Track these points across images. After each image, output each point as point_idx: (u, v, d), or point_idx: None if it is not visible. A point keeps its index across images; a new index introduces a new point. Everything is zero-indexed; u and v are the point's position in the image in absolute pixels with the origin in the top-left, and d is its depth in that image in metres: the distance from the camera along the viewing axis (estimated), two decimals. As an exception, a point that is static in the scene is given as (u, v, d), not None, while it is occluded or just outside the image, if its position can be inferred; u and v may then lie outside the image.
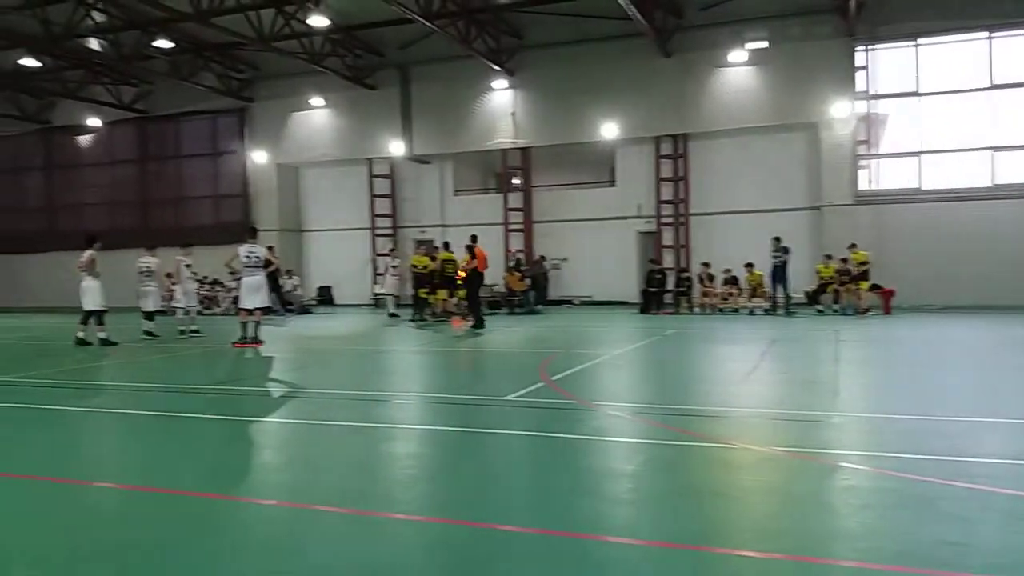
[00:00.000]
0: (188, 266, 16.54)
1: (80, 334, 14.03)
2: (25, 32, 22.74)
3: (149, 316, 15.86)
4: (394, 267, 20.89)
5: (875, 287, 19.29)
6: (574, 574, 3.48)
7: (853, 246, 19.46)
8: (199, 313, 18.22)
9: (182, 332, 16.03)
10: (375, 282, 25.52)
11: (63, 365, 11.80)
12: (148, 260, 16.09)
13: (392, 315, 20.01)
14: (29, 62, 25.80)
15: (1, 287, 33.03)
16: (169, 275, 17.16)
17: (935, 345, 12.86)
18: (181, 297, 16.65)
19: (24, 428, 7.26)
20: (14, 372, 11.01)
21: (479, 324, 16.71)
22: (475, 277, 17.42)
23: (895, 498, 4.48)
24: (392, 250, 21.18)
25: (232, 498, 4.77)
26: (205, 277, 22.86)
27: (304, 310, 24.58)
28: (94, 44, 24.07)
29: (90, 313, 14.02)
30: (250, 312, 13.43)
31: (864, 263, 19.14)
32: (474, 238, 18.04)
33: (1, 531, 4.29)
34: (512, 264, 23.84)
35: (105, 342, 13.97)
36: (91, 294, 13.99)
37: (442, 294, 19.29)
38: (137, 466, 5.83)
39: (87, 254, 14.07)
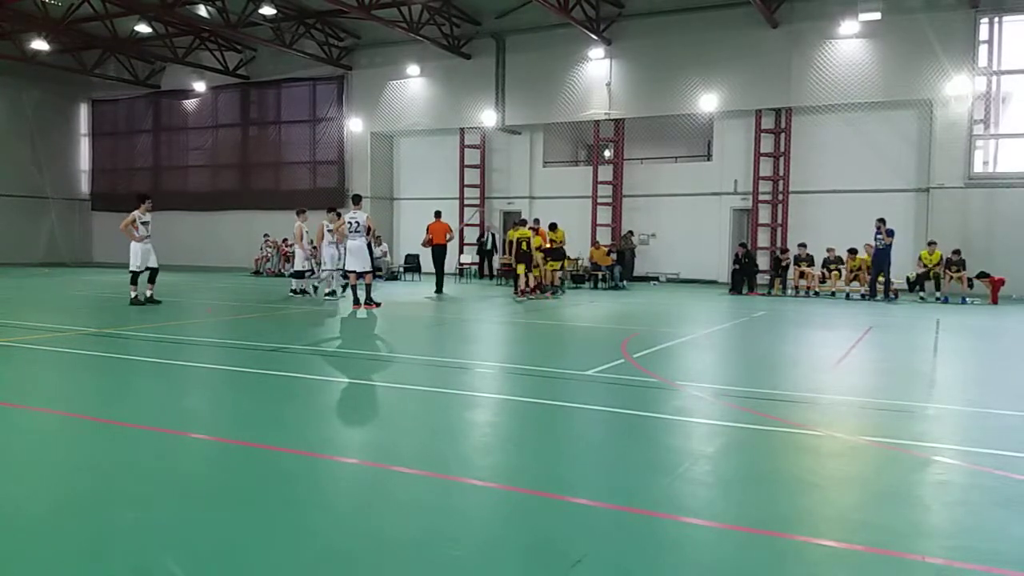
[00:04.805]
0: (331, 231, 16.97)
1: (148, 293, 14.31)
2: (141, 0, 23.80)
3: (295, 275, 17.38)
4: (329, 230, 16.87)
5: (983, 275, 18.26)
6: (648, 552, 3.45)
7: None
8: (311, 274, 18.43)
9: (329, 293, 16.98)
10: (461, 251, 25.78)
11: (155, 320, 12.42)
12: (296, 224, 17.27)
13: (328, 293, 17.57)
14: (143, 28, 27.08)
15: (109, 243, 35.03)
16: (310, 241, 17.66)
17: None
18: (327, 260, 17.25)
19: (104, 375, 7.69)
20: (122, 325, 11.70)
21: (439, 290, 18.64)
22: (435, 248, 18.99)
23: (991, 496, 4.26)
24: (332, 209, 17.35)
25: (315, 455, 4.93)
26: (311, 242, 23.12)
27: (392, 276, 25.11)
28: (203, 11, 24.98)
29: (136, 273, 14.18)
30: (359, 276, 14.31)
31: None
32: (437, 214, 19.43)
33: (108, 475, 4.56)
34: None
35: (134, 302, 14.08)
36: (132, 255, 14.26)
37: (553, 264, 19.34)
38: (228, 420, 6.16)
39: (132, 215, 14.30)
